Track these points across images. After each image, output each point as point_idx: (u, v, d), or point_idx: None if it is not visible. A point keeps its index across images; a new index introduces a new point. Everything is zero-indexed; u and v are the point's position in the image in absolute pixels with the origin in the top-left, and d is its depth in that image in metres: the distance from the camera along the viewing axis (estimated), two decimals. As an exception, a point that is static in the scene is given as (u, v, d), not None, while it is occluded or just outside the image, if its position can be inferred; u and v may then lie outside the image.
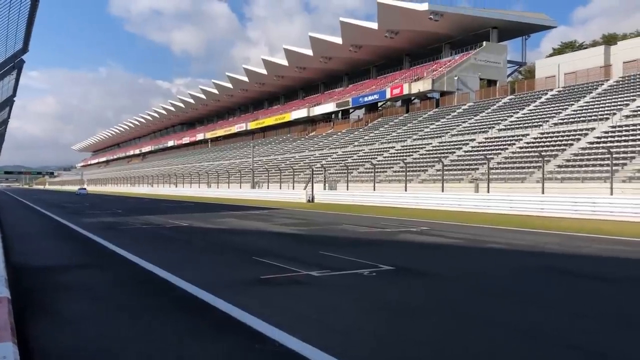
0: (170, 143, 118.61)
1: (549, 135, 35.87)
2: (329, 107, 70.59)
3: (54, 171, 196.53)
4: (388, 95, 60.80)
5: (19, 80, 8.13)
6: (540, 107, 42.37)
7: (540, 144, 34.44)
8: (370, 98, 63.43)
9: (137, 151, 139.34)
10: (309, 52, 68.79)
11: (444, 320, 5.75)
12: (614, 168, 23.72)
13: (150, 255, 10.33)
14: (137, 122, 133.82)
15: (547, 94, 44.69)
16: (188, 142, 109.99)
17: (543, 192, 24.85)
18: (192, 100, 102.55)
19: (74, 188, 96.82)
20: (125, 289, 7.70)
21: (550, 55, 62.71)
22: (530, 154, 32.92)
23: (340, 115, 73.52)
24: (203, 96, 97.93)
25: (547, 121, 38.33)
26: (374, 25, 58.07)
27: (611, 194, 22.35)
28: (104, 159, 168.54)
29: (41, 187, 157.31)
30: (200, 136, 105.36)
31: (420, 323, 5.60)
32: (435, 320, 5.74)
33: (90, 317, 5.93)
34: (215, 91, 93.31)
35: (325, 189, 41.77)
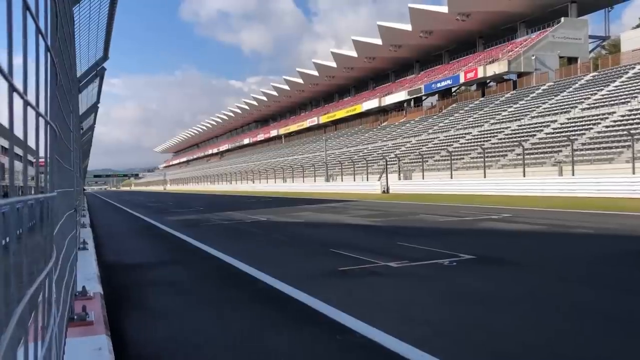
0: (246, 141, 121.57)
1: (639, 112, 33.63)
2: (400, 95, 69.74)
3: (138, 173, 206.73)
4: (462, 80, 59.24)
5: (101, 87, 8.58)
6: (627, 83, 39.79)
7: (629, 122, 32.39)
8: (443, 84, 62.08)
9: (215, 150, 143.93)
10: (378, 42, 68.21)
11: (528, 310, 5.51)
12: None
13: (232, 250, 10.60)
14: (213, 122, 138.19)
15: (634, 67, 41.88)
16: (262, 138, 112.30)
17: (634, 173, 23.36)
18: (264, 98, 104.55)
19: (159, 188, 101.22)
20: (209, 283, 7.94)
21: (637, 27, 58.75)
22: (618, 133, 31.05)
23: (412, 103, 72.46)
24: (275, 93, 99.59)
25: (636, 97, 35.94)
26: (444, 9, 56.73)
27: None
28: (184, 159, 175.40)
29: (127, 188, 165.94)
30: (274, 132, 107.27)
31: (502, 313, 5.39)
32: (518, 310, 5.51)
33: (177, 310, 6.16)
34: (287, 87, 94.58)
35: (400, 179, 41.32)
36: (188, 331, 5.21)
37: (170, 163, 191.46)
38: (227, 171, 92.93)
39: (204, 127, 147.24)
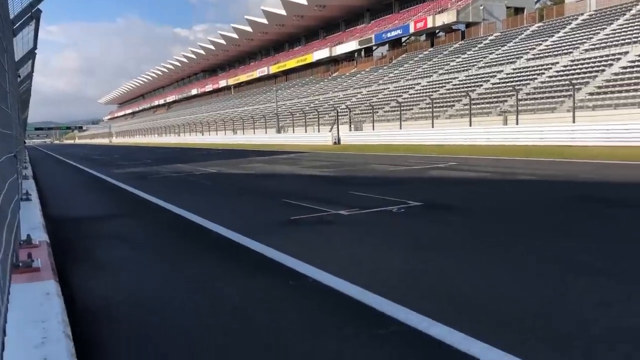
0: (194, 91, 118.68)
1: (580, 62, 34.67)
2: (351, 45, 69.19)
3: (82, 125, 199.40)
4: (412, 30, 59.21)
5: (37, 32, 8.08)
6: (570, 34, 40.77)
7: (571, 72, 33.38)
8: (393, 34, 61.88)
9: (161, 101, 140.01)
10: (329, -12, 66.91)
11: (472, 252, 5.77)
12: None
13: (182, 202, 10.52)
14: (159, 72, 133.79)
15: (577, 18, 42.86)
16: (211, 89, 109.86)
17: (574, 121, 24.28)
18: (212, 47, 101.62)
19: (104, 141, 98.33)
20: (161, 235, 7.90)
21: (581, -23, 59.72)
22: (560, 83, 31.99)
23: (363, 53, 72.10)
24: (223, 42, 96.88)
25: (578, 47, 36.97)
26: (394, -44, 55.92)
27: (645, 119, 21.71)
28: (129, 110, 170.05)
29: (71, 141, 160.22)
30: (222, 83, 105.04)
31: (449, 256, 5.63)
32: (463, 253, 5.76)
33: (127, 261, 6.13)
34: (235, 36, 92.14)
35: (351, 130, 41.54)
36: (140, 281, 5.21)
37: (115, 115, 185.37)
38: (175, 123, 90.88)
39: (150, 77, 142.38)
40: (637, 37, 33.00)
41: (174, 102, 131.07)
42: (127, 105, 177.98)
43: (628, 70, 29.50)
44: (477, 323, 3.62)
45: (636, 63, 29.86)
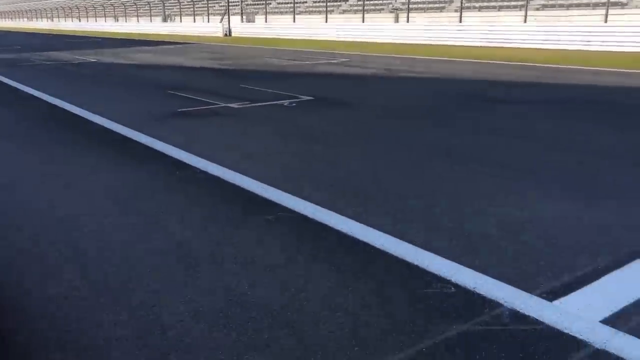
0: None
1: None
2: None
3: None
4: None
5: None
6: None
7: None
8: None
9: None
10: None
11: (357, 144, 5.97)
12: (530, -4, 23.95)
13: (59, 92, 9.76)
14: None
15: None
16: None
17: (461, 21, 24.99)
18: None
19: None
20: (36, 126, 7.34)
21: None
22: (451, -18, 32.35)
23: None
24: None
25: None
26: None
27: (525, 21, 22.82)
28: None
29: None
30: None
31: (335, 148, 5.79)
32: (349, 145, 5.94)
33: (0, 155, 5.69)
34: None
35: (242, 21, 39.88)
36: (16, 172, 4.88)
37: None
38: (48, 6, 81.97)
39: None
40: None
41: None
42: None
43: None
44: (362, 207, 3.82)
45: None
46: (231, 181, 4.48)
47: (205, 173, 4.72)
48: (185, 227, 3.51)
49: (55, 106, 8.52)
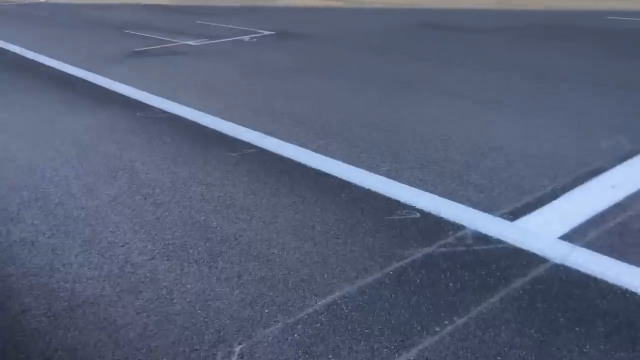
0: None
1: None
2: None
3: None
4: None
5: None
6: None
7: None
8: None
9: None
10: None
11: (320, 76, 5.91)
12: None
13: (10, 36, 9.28)
14: None
15: None
16: None
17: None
18: None
19: None
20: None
21: None
22: None
23: None
24: None
25: None
26: None
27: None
28: None
29: None
30: None
31: (297, 80, 5.72)
32: (312, 77, 5.88)
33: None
34: None
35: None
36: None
37: None
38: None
39: None
40: None
41: None
42: None
43: None
44: (325, 139, 3.82)
45: None
46: (193, 119, 4.41)
47: (166, 113, 4.63)
48: (150, 167, 3.47)
49: (6, 51, 8.13)
